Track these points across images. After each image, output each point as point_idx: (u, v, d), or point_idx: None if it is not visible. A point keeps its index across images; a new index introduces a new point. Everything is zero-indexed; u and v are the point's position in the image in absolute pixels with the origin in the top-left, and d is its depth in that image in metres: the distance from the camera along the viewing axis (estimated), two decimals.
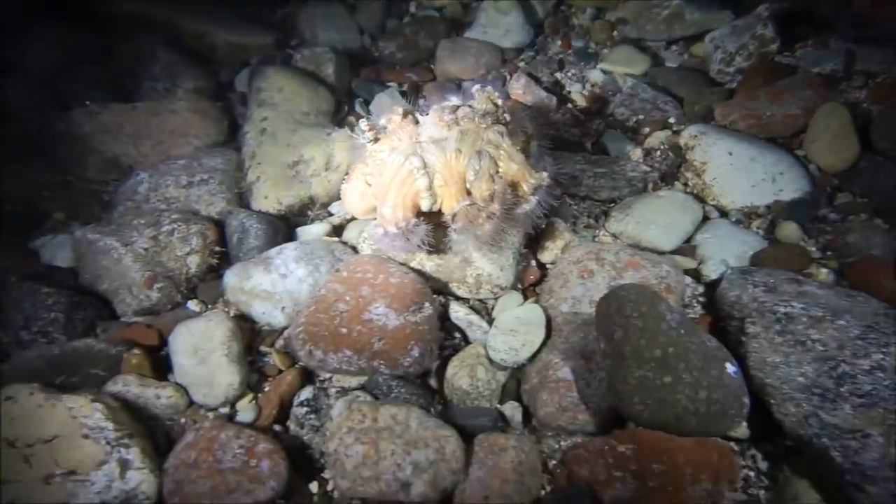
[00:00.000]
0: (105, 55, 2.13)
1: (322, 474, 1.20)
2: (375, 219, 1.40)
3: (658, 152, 2.13)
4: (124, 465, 1.07)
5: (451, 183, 1.28)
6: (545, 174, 1.35)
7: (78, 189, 1.81)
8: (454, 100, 1.42)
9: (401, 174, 1.28)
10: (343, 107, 2.24)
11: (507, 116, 1.35)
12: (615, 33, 2.70)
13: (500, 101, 1.37)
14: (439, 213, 1.35)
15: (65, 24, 2.10)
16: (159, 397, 1.23)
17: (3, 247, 1.56)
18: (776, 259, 1.66)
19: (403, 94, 2.37)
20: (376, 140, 1.36)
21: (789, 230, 1.75)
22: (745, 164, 1.93)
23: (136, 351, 1.27)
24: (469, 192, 1.30)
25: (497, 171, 1.30)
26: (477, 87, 1.40)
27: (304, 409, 1.26)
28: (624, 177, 1.99)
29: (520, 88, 2.45)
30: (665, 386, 1.18)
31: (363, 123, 1.37)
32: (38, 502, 1.02)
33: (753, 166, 1.92)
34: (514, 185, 1.34)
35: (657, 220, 1.79)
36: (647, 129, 2.23)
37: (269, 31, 2.52)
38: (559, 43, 2.71)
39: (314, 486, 1.18)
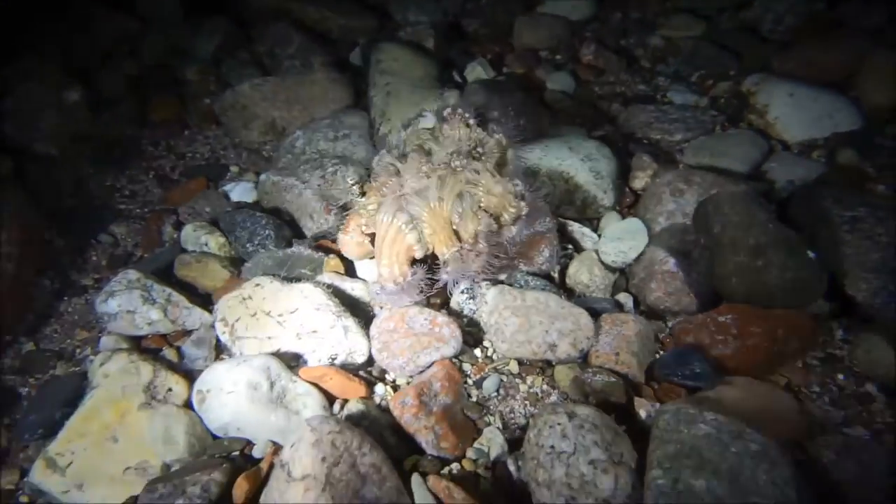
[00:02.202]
0: (249, 41, 2.41)
1: (483, 343, 1.44)
2: (372, 258, 1.40)
3: (723, 100, 2.29)
4: (346, 329, 1.33)
5: (439, 229, 1.25)
6: (523, 204, 1.30)
7: (245, 148, 2.09)
8: (428, 120, 1.39)
9: (391, 232, 1.25)
10: (443, 74, 2.46)
11: (481, 149, 1.31)
12: (668, 4, 2.82)
13: (471, 122, 1.34)
14: (433, 254, 1.32)
15: (219, 18, 2.38)
16: (353, 289, 1.48)
17: (208, 190, 1.85)
18: (837, 179, 1.81)
19: (492, 62, 2.58)
20: (363, 194, 1.36)
21: (848, 155, 1.90)
22: (804, 104, 2.07)
23: (332, 255, 1.53)
24: (457, 233, 1.27)
25: (480, 207, 1.28)
26: (448, 111, 1.36)
27: (464, 297, 1.50)
28: (696, 120, 2.16)
29: (590, 55, 2.63)
30: (758, 268, 1.38)
31: (349, 180, 1.38)
32: (294, 350, 1.29)
33: (812, 105, 2.07)
34: (497, 217, 1.31)
35: (729, 151, 1.96)
36: (710, 81, 2.39)
37: (371, 14, 2.75)
38: (619, 15, 2.86)
39: (478, 352, 1.42)
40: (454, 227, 1.26)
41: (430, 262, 1.32)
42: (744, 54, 2.46)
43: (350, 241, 1.43)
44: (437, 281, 1.31)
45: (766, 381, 1.30)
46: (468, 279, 1.33)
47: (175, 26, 2.36)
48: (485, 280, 1.56)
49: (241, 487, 1.05)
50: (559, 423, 1.12)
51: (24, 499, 1.11)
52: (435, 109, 1.44)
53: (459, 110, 1.35)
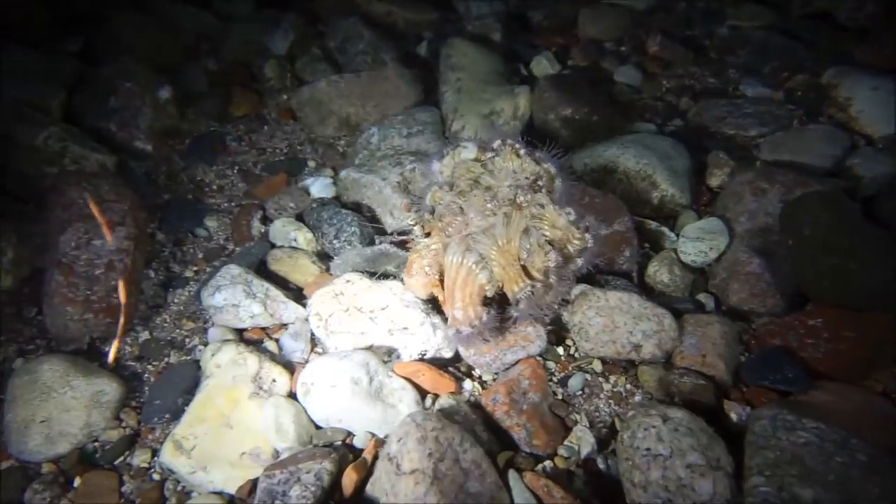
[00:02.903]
0: (320, 36, 2.44)
1: (565, 342, 1.44)
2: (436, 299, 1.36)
3: (799, 93, 2.20)
4: (434, 326, 1.35)
5: (508, 267, 1.22)
6: (588, 236, 1.27)
7: (321, 143, 2.13)
8: (469, 151, 1.30)
9: (461, 273, 1.21)
10: (508, 66, 2.43)
11: (541, 182, 1.27)
12: None
13: (522, 152, 1.29)
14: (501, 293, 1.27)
15: (291, 15, 2.42)
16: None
17: (290, 186, 1.90)
18: None
19: (556, 55, 2.54)
20: (428, 235, 1.32)
21: None
22: (890, 97, 1.97)
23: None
24: (525, 268, 1.24)
25: (546, 239, 1.25)
26: (498, 142, 1.30)
27: None
28: (771, 114, 2.08)
29: (656, 46, 2.56)
30: (851, 271, 1.33)
31: (410, 221, 1.33)
32: (387, 345, 1.33)
33: None
34: (561, 248, 1.27)
35: (809, 147, 1.89)
36: (785, 74, 2.29)
37: (434, 8, 2.73)
38: (684, 4, 2.77)
39: (560, 350, 1.43)
40: (522, 263, 1.24)
41: (498, 301, 1.27)
42: (819, 45, 2.35)
43: (415, 283, 1.36)
44: (509, 319, 1.27)
45: (861, 387, 1.27)
46: (540, 314, 1.29)
47: (251, 23, 2.40)
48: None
49: (349, 477, 1.09)
50: (654, 426, 1.12)
51: (156, 476, 1.18)
52: (475, 138, 1.37)
53: (509, 141, 1.30)
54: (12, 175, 1.61)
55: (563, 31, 2.69)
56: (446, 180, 1.36)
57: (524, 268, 1.24)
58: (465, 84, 2.16)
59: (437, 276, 1.29)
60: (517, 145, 1.30)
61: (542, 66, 2.46)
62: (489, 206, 1.23)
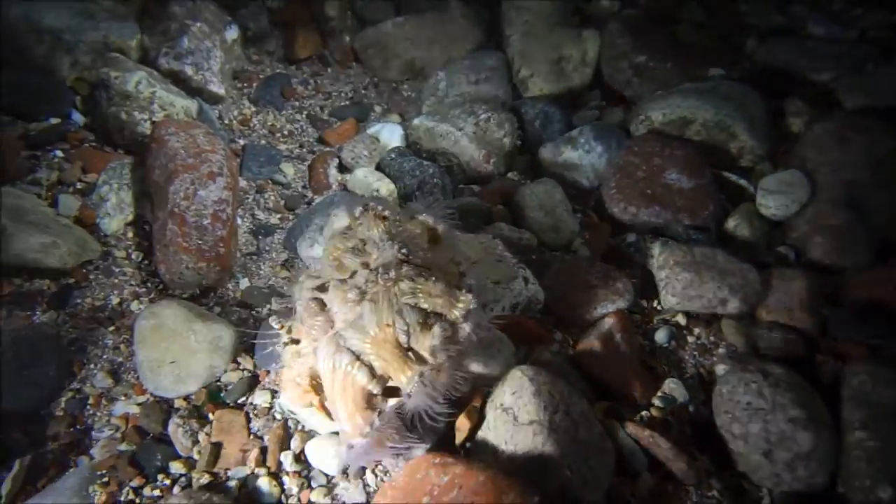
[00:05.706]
0: None
1: (647, 294, 1.42)
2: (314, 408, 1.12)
3: (873, 32, 2.04)
4: (526, 280, 1.33)
5: (389, 357, 1.01)
6: (470, 297, 1.04)
7: (385, 87, 2.03)
8: (340, 220, 1.11)
9: (338, 379, 1.01)
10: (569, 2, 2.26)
11: (405, 250, 1.04)
12: None
13: (387, 213, 1.10)
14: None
15: None
16: (521, 239, 1.47)
17: (360, 133, 1.82)
18: None
19: None
20: (295, 342, 1.12)
21: None
22: None
23: (500, 206, 1.51)
24: (414, 351, 1.01)
25: (427, 313, 1.02)
26: (359, 209, 1.11)
27: (632, 249, 1.47)
28: (844, 56, 1.94)
29: None
30: None
31: (275, 324, 1.11)
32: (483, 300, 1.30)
33: None
34: (444, 317, 1.03)
35: (888, 90, 1.76)
36: (859, 11, 2.12)
37: None
38: None
39: (644, 302, 1.41)
40: (406, 347, 1.01)
41: (391, 394, 1.02)
42: None
43: (290, 397, 1.14)
44: (405, 414, 1.02)
45: None
46: (439, 397, 1.02)
47: None
48: (644, 234, 1.51)
49: (462, 423, 1.11)
50: (754, 382, 1.12)
51: (278, 415, 1.20)
52: (348, 203, 1.17)
53: (371, 204, 1.10)
54: (108, 120, 1.54)
55: None
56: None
57: (413, 352, 1.01)
58: (531, 27, 2.03)
59: (308, 384, 1.09)
60: (380, 207, 1.10)
61: (603, 2, 2.29)
62: (350, 295, 1.01)
